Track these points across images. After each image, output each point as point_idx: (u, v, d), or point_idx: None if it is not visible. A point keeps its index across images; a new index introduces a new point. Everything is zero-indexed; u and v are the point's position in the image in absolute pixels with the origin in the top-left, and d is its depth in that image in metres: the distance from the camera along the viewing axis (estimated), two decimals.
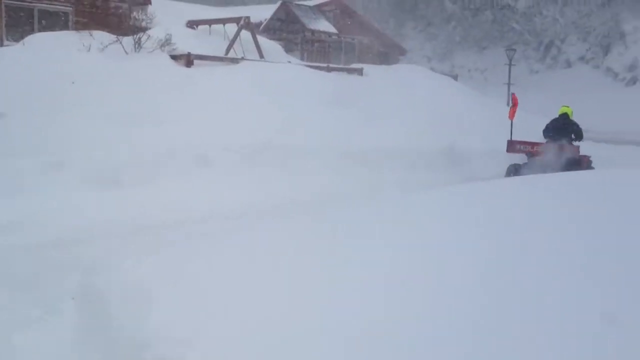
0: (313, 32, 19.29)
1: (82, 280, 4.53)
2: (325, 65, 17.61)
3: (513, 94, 12.58)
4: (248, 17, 15.94)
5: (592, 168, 11.50)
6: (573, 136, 11.46)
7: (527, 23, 40.42)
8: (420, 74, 19.97)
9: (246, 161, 10.35)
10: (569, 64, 38.47)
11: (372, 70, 18.50)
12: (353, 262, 3.38)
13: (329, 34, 19.88)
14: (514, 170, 11.42)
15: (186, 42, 14.14)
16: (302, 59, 18.44)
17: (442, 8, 43.36)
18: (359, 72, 17.86)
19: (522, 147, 11.50)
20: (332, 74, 16.71)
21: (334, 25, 21.02)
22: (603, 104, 30.97)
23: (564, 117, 11.57)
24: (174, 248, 5.06)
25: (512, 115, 11.87)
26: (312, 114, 13.18)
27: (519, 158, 11.81)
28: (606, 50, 37.05)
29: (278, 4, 20.05)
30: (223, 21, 16.46)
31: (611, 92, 32.83)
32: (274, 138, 11.34)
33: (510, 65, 26.51)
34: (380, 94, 16.16)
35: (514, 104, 11.83)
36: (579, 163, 11.32)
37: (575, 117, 12.26)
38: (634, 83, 34.17)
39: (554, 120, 11.65)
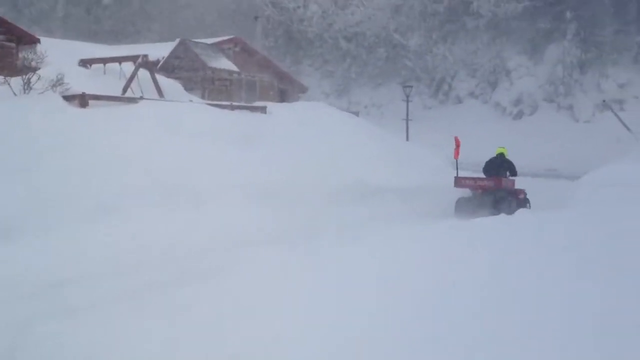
0: (214, 70, 19.31)
1: None
2: (228, 103, 17.63)
3: (456, 137, 14.39)
4: (146, 56, 15.73)
5: (527, 199, 13.80)
6: (508, 173, 13.61)
7: (419, 60, 42.60)
8: (324, 111, 20.49)
9: (157, 204, 10.10)
10: (459, 100, 40.88)
11: (275, 108, 18.74)
12: None
13: (230, 72, 19.98)
14: (462, 202, 13.30)
15: (80, 81, 13.72)
16: (203, 97, 18.36)
17: (337, 46, 44.79)
18: (263, 110, 18.03)
19: (467, 182, 13.49)
20: (236, 112, 16.77)
21: (234, 63, 21.15)
22: (493, 136, 33.04)
23: (501, 156, 13.85)
24: None
25: (456, 155, 14.08)
26: (218, 153, 13.15)
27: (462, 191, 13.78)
28: (493, 85, 39.79)
29: (176, 42, 19.92)
30: (119, 59, 16.11)
31: (500, 125, 35.21)
32: (181, 179, 11.17)
33: (407, 101, 27.77)
34: (286, 132, 16.41)
35: (457, 145, 13.93)
36: (515, 194, 13.51)
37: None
38: (520, 117, 36.85)
39: (492, 159, 13.89)
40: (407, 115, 27.74)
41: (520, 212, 10.98)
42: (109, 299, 5.72)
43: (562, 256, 5.56)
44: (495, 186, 13.07)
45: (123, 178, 10.42)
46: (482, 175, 13.76)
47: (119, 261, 7.63)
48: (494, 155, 14.07)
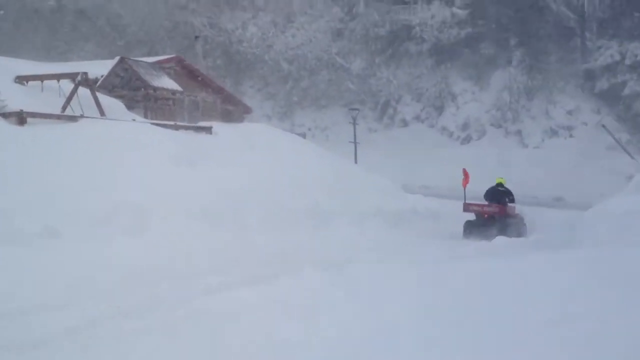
0: (155, 89, 18.99)
1: None
2: (172, 123, 17.35)
3: (464, 169, 17.28)
4: (86, 73, 15.31)
5: (524, 224, 16.02)
6: (507, 199, 16.16)
7: (362, 84, 43.32)
8: (271, 132, 20.50)
9: (94, 227, 9.73)
10: (405, 123, 41.72)
11: (221, 128, 18.58)
12: None
13: (173, 92, 19.71)
14: (470, 224, 15.83)
15: (17, 99, 13.21)
16: (145, 116, 18.00)
17: (278, 68, 44.99)
18: (208, 130, 17.83)
19: (475, 207, 16.19)
20: (180, 133, 16.52)
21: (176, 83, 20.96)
22: (441, 160, 33.91)
23: (500, 185, 16.59)
24: None
25: (465, 184, 17.00)
26: (163, 174, 12.87)
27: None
28: (439, 110, 40.87)
29: (116, 60, 19.50)
30: (57, 77, 15.61)
31: (448, 150, 36.14)
32: (124, 200, 10.84)
33: (354, 124, 28.14)
34: (234, 153, 16.28)
35: (465, 176, 17.03)
36: (515, 217, 16.02)
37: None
38: (469, 141, 37.97)
39: (492, 187, 16.59)
40: (355, 138, 28.09)
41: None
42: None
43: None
44: (500, 212, 15.76)
45: (63, 199, 10.02)
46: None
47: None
48: (494, 184, 16.73)
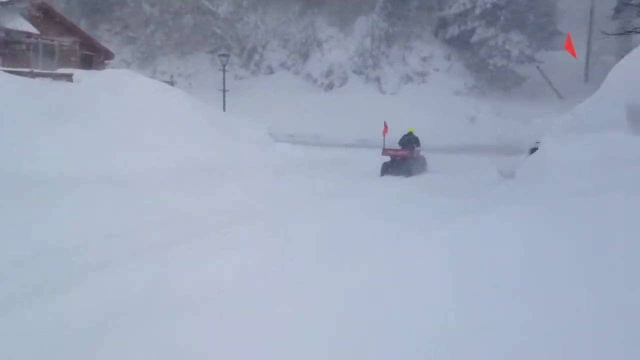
0: (8, 32, 18.18)
1: None
2: (28, 70, 16.83)
3: (385, 122, 21.34)
4: None
5: (425, 162, 21.57)
6: (414, 145, 20.95)
7: (229, 29, 43.10)
8: (138, 80, 19.96)
9: None
10: (271, 70, 42.34)
11: (83, 76, 18.14)
12: None
13: (29, 35, 18.93)
14: (385, 165, 20.36)
15: None
16: None
17: (139, 10, 43.53)
18: (68, 78, 17.43)
19: (390, 152, 20.51)
20: (38, 81, 16.03)
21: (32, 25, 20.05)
22: (306, 107, 35.05)
23: (410, 134, 21.37)
24: None
25: (384, 134, 21.14)
26: (26, 132, 12.15)
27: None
28: (305, 57, 41.78)
29: None
30: None
31: (312, 96, 37.32)
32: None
33: (224, 70, 28.29)
34: (102, 104, 15.59)
35: (385, 127, 21.06)
36: (421, 160, 21.30)
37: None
38: (331, 88, 39.31)
39: (405, 136, 21.34)
40: (224, 85, 28.31)
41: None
42: None
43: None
44: (409, 155, 20.27)
45: None
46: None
47: None
48: (406, 132, 21.42)
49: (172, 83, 24.59)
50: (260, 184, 14.62)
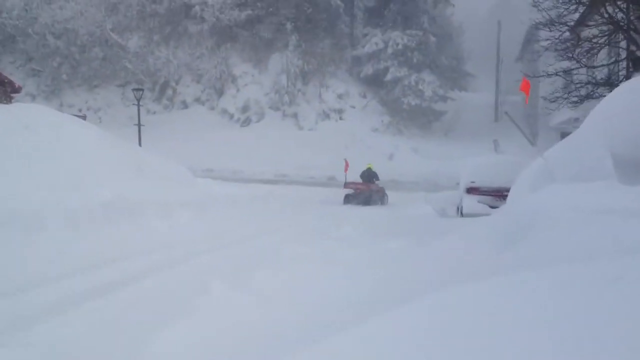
0: None
1: None
2: None
3: (345, 159, 25.06)
4: None
5: (386, 194, 23.19)
6: (374, 179, 23.06)
7: (140, 63, 42.33)
8: (49, 114, 19.25)
9: None
10: (186, 105, 41.82)
11: None
12: None
13: None
14: (348, 196, 22.21)
15: None
16: None
17: (44, 42, 42.09)
18: None
19: (351, 185, 22.59)
20: None
21: None
22: (223, 142, 34.78)
23: (369, 169, 23.39)
24: None
25: (346, 170, 24.33)
26: None
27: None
28: (220, 92, 41.59)
29: None
30: None
31: (229, 132, 37.10)
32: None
33: (139, 105, 27.67)
34: (11, 139, 15.16)
35: (346, 165, 24.54)
36: (381, 192, 22.87)
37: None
38: (248, 124, 39.25)
39: (364, 171, 23.40)
40: (139, 120, 27.63)
41: None
42: None
43: None
44: (366, 188, 22.42)
45: None
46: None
47: None
48: (365, 168, 23.55)
49: (84, 117, 23.73)
50: (184, 221, 14.19)
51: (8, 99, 24.06)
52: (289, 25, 40.48)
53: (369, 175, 23.28)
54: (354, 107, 39.80)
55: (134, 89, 28.10)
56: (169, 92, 42.42)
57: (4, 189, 10.98)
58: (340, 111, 39.43)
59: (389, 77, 39.10)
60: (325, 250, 7.06)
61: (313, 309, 4.34)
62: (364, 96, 40.89)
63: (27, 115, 17.66)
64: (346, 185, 22.84)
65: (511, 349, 2.56)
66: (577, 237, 4.36)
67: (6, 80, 24.66)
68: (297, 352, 3.01)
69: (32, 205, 10.87)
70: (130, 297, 5.45)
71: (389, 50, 39.16)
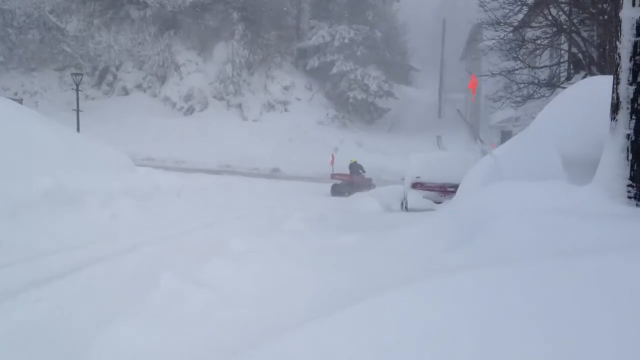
0: None
1: None
2: None
3: (332, 153, 27.73)
4: None
5: (373, 185, 24.63)
6: (361, 170, 25.32)
7: (79, 47, 41.03)
8: None
9: None
10: (126, 91, 40.79)
11: None
12: None
13: None
14: (335, 186, 24.07)
15: None
16: None
17: None
18: None
19: (337, 176, 24.91)
20: None
21: None
22: (164, 130, 34.11)
23: (355, 163, 25.50)
24: None
25: (332, 163, 26.42)
26: None
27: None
28: (162, 79, 40.73)
29: None
30: None
31: (171, 120, 36.42)
32: None
33: (77, 90, 26.83)
34: None
35: (332, 158, 26.94)
36: (367, 182, 25.05)
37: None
38: (191, 113, 38.60)
39: (351, 164, 25.46)
40: (78, 105, 26.81)
41: None
42: None
43: None
44: (351, 179, 24.54)
45: None
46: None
47: None
48: (351, 161, 25.72)
49: (20, 101, 22.81)
50: (128, 212, 13.77)
51: None
52: (235, 15, 39.96)
53: (355, 167, 25.48)
54: (299, 100, 39.68)
55: (72, 74, 27.22)
56: (109, 77, 41.32)
57: None
58: (285, 103, 39.24)
59: (334, 70, 39.09)
60: (277, 243, 6.93)
61: (266, 304, 4.23)
62: (310, 89, 40.81)
63: None
64: (333, 176, 25.08)
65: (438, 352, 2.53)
66: (520, 237, 4.46)
67: None
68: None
69: None
70: (71, 293, 5.13)
71: (336, 44, 39.20)
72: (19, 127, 16.72)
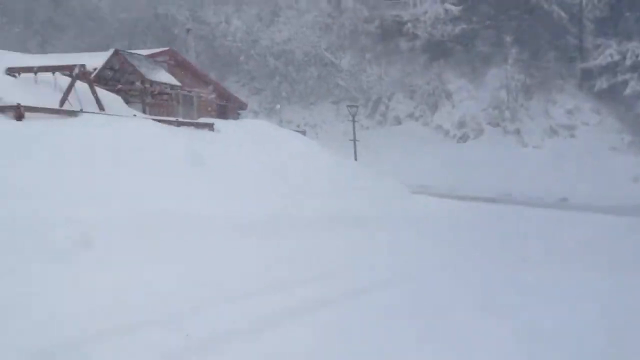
0: (152, 83, 18.13)
1: None
2: (174, 119, 16.55)
3: None
4: (83, 65, 14.52)
5: None
6: None
7: (352, 80, 42.75)
8: (274, 129, 19.77)
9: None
10: (399, 121, 41.21)
11: (222, 125, 17.82)
12: None
13: (171, 86, 18.86)
14: None
15: (9, 91, 12.30)
16: (144, 112, 17.16)
17: (264, 63, 44.31)
18: (210, 127, 17.09)
19: None
20: (182, 129, 15.73)
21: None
22: (439, 159, 33.45)
23: None
24: None
25: None
26: (177, 177, 11.93)
27: None
28: (433, 108, 40.43)
29: (110, 52, 18.64)
30: (52, 69, 14.71)
31: (445, 148, 35.71)
32: (144, 207, 9.94)
33: (353, 121, 27.53)
34: (244, 153, 15.51)
35: None
36: None
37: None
38: (466, 140, 37.54)
39: None
40: (354, 135, 27.47)
41: None
42: None
43: None
44: None
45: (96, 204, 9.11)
46: None
47: None
48: None
49: (303, 132, 23.99)
50: (406, 236, 13.31)
51: (236, 115, 25.09)
52: (508, 38, 38.16)
53: None
54: (586, 124, 36.23)
55: (348, 105, 28.15)
56: (382, 108, 42.19)
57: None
58: (570, 127, 36.01)
59: (628, 91, 35.07)
60: None
61: None
62: (598, 112, 37.06)
63: (256, 131, 18.21)
64: None
65: None
66: None
67: (233, 98, 25.80)
68: None
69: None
70: None
71: (627, 62, 35.27)
72: (309, 156, 17.55)
